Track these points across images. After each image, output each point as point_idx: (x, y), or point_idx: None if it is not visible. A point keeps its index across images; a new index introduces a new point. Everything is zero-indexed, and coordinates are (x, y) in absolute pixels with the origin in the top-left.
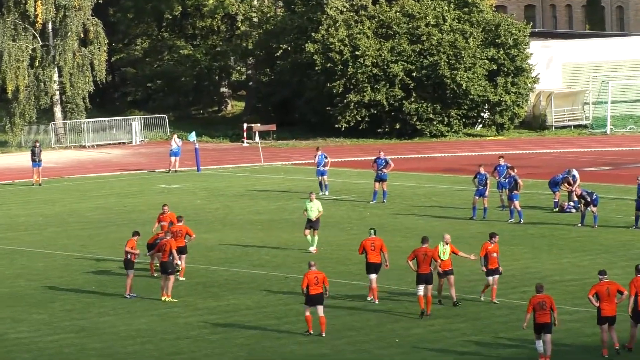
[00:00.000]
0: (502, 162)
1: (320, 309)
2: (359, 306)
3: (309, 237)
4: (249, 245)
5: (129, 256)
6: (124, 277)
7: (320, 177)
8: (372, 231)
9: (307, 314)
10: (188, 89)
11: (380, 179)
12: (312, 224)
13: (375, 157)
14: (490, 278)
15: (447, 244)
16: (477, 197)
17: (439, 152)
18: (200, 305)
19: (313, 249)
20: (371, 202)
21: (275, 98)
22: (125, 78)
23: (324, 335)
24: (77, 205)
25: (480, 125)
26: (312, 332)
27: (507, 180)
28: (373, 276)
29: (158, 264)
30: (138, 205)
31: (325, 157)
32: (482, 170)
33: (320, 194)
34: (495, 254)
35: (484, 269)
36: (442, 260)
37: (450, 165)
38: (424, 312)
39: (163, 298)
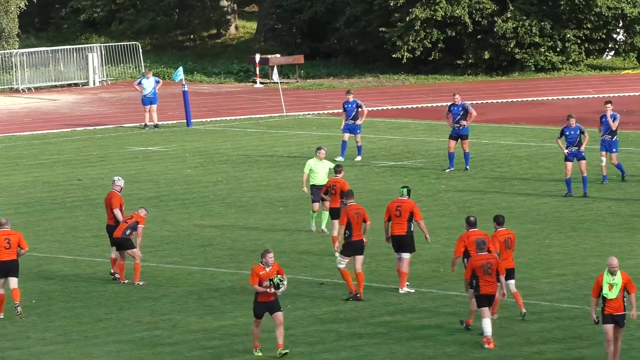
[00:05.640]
0: None
1: (13, 282)
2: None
3: (317, 214)
4: (266, 233)
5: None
6: (77, 285)
7: (348, 135)
8: (405, 190)
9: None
10: (171, 2)
11: (458, 135)
12: (321, 194)
13: (449, 104)
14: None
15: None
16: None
17: (550, 93)
18: (195, 325)
19: (325, 228)
20: (447, 170)
21: (303, 16)
22: None
23: (18, 313)
24: (7, 179)
25: (612, 53)
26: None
27: None
28: (406, 255)
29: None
30: (99, 178)
31: (359, 107)
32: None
33: (339, 158)
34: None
35: None
36: (608, 300)
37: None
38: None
39: (256, 352)
